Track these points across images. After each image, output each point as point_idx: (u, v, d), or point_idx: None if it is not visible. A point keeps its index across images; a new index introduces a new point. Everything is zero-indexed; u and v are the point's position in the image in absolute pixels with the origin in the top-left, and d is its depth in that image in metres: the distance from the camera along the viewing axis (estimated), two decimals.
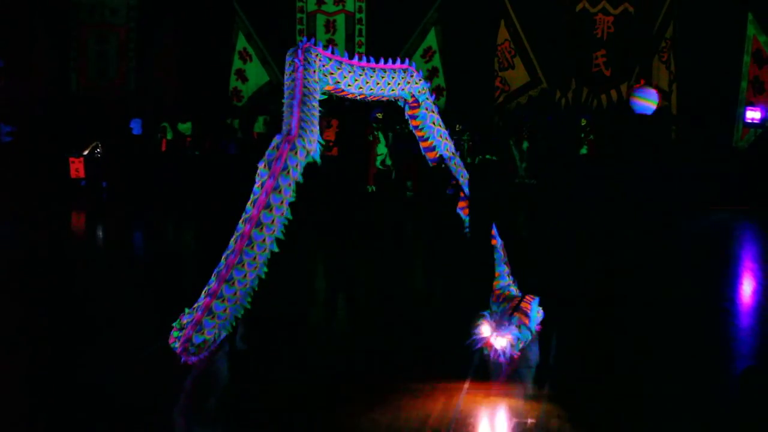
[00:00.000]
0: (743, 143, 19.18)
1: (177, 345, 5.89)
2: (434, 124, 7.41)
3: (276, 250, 5.94)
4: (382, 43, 19.09)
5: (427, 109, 7.31)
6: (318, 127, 6.16)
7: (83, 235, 13.84)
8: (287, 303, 8.28)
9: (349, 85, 6.58)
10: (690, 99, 19.31)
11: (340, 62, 6.46)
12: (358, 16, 19.66)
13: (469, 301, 6.93)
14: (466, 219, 7.30)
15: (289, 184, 5.84)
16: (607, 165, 17.42)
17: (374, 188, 16.61)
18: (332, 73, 6.39)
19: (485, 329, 6.33)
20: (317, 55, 6.23)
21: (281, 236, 5.94)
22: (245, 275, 5.86)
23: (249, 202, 5.89)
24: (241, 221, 5.88)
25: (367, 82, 6.67)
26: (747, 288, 9.76)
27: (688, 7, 19.08)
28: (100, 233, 14.16)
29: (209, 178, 13.23)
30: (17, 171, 17.21)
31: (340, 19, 19.75)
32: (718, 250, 12.36)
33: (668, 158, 18.16)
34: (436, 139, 7.43)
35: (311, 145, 5.99)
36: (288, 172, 5.80)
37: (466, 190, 7.33)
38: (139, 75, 20.96)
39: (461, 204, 7.36)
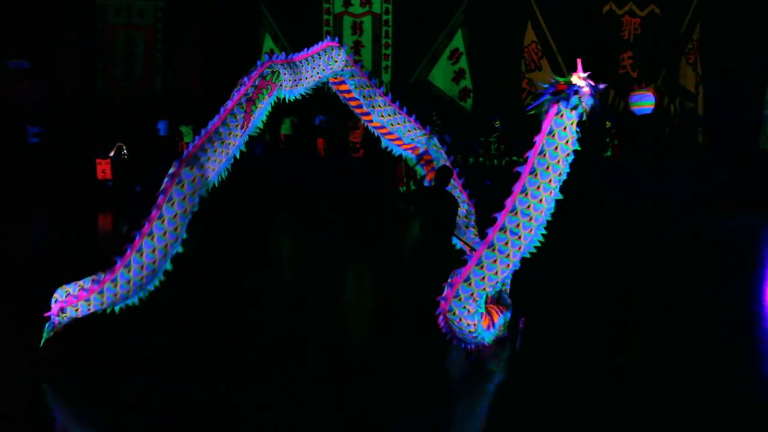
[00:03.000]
0: None
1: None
2: (365, 97, 7.46)
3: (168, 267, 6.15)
4: (408, 45, 19.23)
5: (354, 82, 7.38)
6: (227, 157, 6.47)
7: (109, 236, 13.87)
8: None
9: (288, 80, 6.78)
10: (716, 101, 19.26)
11: (284, 64, 6.73)
12: (384, 17, 19.67)
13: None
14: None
15: (184, 198, 6.05)
16: (632, 167, 17.47)
17: (405, 189, 16.70)
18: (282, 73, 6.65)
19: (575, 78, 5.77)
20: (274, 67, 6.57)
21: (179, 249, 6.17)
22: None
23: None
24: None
25: (299, 78, 6.87)
26: None
27: (714, 9, 19.05)
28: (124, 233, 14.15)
29: (236, 178, 13.23)
30: (44, 172, 17.30)
31: (367, 21, 19.77)
32: (746, 252, 12.30)
33: (695, 160, 18.14)
34: (370, 108, 7.47)
35: (209, 170, 6.25)
36: (182, 186, 6.03)
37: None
38: (165, 76, 21.09)
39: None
